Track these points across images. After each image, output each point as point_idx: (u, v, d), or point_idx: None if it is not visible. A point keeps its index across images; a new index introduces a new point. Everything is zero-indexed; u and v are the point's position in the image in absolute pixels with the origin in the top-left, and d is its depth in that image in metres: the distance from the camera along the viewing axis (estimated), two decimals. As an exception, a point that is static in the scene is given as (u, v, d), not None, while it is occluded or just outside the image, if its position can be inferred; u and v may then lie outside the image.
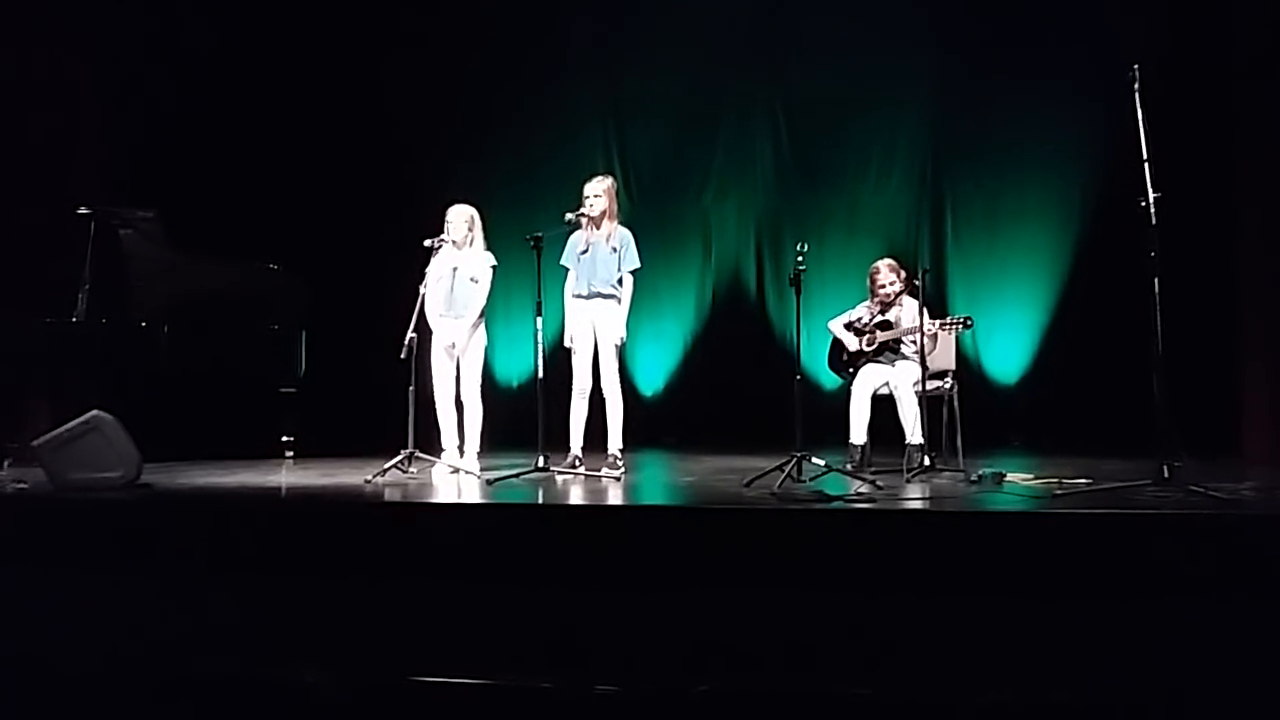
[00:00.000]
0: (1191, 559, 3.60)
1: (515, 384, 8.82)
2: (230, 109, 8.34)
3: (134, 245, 6.97)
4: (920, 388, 5.54)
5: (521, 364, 8.67)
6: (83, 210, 6.66)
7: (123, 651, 4.01)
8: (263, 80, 8.51)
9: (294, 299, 7.27)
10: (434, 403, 5.93)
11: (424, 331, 5.80)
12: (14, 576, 4.31)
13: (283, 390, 7.15)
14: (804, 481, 4.93)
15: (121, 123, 8.01)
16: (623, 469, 5.70)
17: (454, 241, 5.90)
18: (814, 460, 5.06)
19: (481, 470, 5.74)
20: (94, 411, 5.19)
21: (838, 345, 6.14)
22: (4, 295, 6.97)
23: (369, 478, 5.41)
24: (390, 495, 5.03)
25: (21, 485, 5.08)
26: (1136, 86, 4.55)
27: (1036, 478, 5.02)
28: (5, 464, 5.33)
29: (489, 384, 6.19)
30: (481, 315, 5.94)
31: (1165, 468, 4.27)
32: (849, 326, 6.09)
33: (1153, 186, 4.43)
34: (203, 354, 6.83)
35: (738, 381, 8.44)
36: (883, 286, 5.96)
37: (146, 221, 6.89)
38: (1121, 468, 5.09)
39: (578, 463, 5.76)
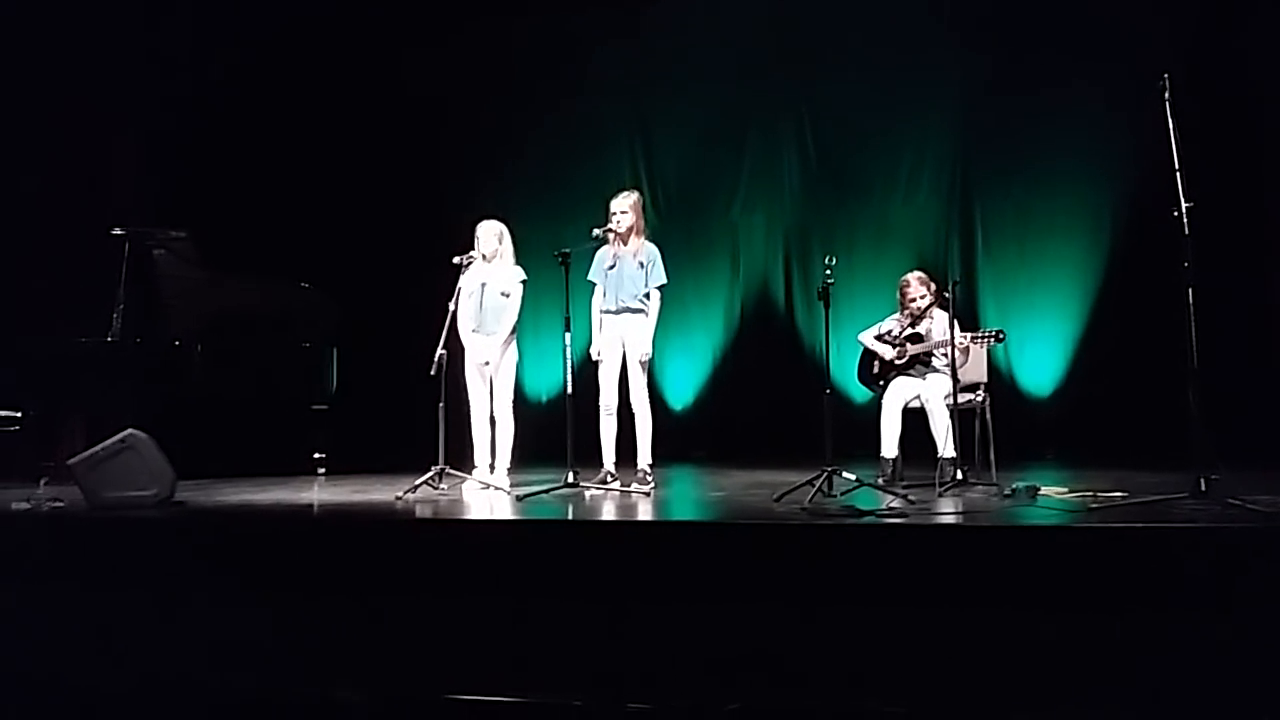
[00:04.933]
0: (1230, 573, 3.54)
1: (544, 399, 8.84)
2: (260, 129, 8.43)
3: (167, 265, 7.06)
4: (952, 401, 5.50)
5: (550, 379, 8.70)
6: (117, 231, 6.76)
7: (157, 669, 4.04)
8: (291, 100, 8.61)
9: (325, 316, 7.34)
10: (467, 419, 5.95)
11: (454, 347, 5.82)
12: (49, 594, 4.36)
13: (314, 407, 7.21)
14: (835, 496, 4.90)
15: (154, 144, 8.13)
16: (652, 484, 5.69)
17: (483, 256, 5.93)
18: (845, 474, 5.03)
19: (511, 486, 5.75)
20: (129, 430, 5.25)
21: (868, 358, 6.11)
22: (40, 315, 7.08)
23: (400, 494, 5.43)
24: (421, 512, 5.05)
25: (57, 504, 5.13)
26: (1167, 95, 4.50)
27: (1071, 491, 4.96)
28: (41, 483, 5.38)
29: (518, 399, 6.20)
30: (513, 332, 5.96)
31: (1202, 481, 4.21)
32: (879, 339, 6.05)
33: (1185, 196, 4.38)
34: (235, 372, 6.90)
35: (767, 395, 8.42)
36: (913, 299, 5.92)
37: (179, 242, 6.99)
38: (1157, 481, 5.02)
39: (609, 478, 5.76)
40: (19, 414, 6.36)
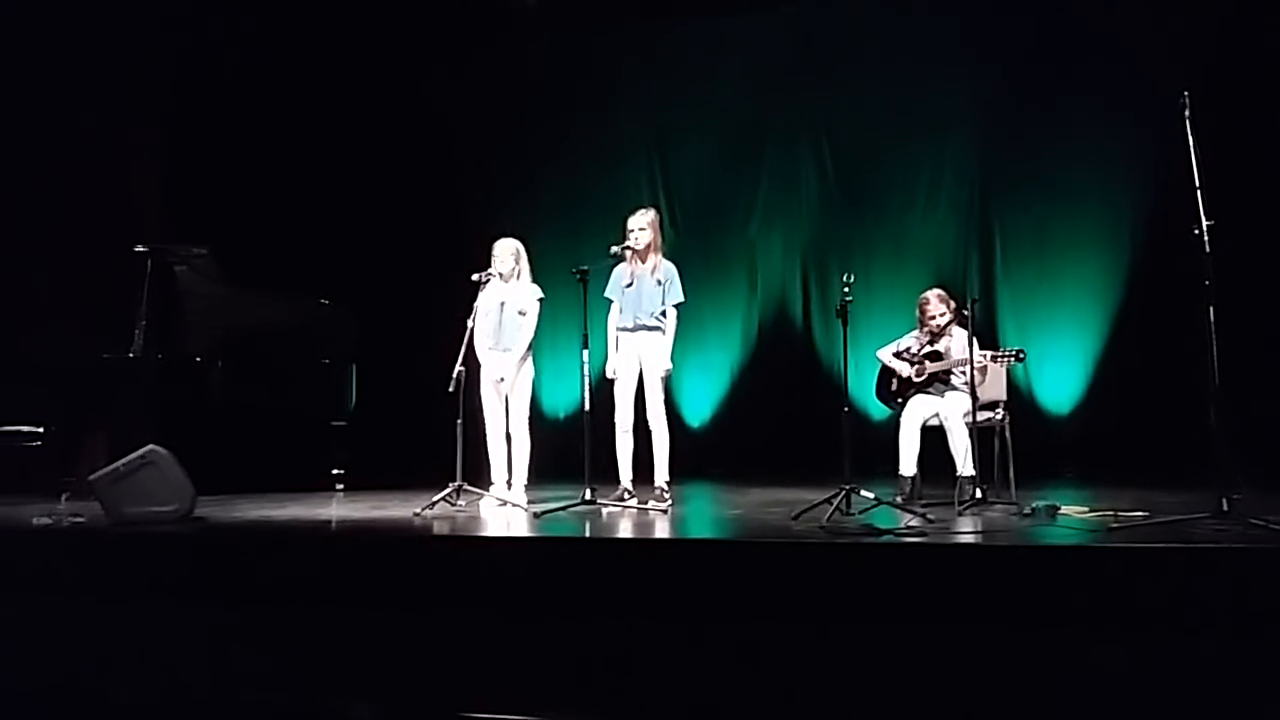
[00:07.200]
0: (1252, 595, 3.51)
1: (562, 416, 8.85)
2: (282, 146, 8.49)
3: (188, 282, 7.11)
4: (971, 419, 5.47)
5: (568, 396, 8.71)
6: (139, 248, 6.81)
7: (175, 684, 4.06)
8: (313, 118, 8.67)
9: (344, 333, 7.37)
10: (483, 436, 5.96)
11: (472, 365, 5.84)
12: (70, 609, 4.38)
13: (333, 423, 7.24)
14: (853, 514, 4.88)
15: (176, 161, 8.20)
16: (670, 501, 5.68)
17: (500, 275, 5.95)
18: (863, 493, 5.01)
19: (529, 503, 5.75)
20: (150, 446, 5.28)
21: (886, 375, 6.09)
22: (62, 331, 7.13)
23: (418, 511, 5.44)
24: (439, 528, 5.05)
25: (78, 519, 5.16)
26: (1187, 113, 4.49)
27: (1091, 511, 4.92)
28: (62, 498, 5.42)
29: (535, 416, 6.21)
30: (529, 349, 5.98)
31: (1224, 500, 4.17)
32: (898, 356, 6.04)
33: (1206, 214, 4.35)
34: (255, 388, 6.92)
35: (785, 413, 8.40)
36: (932, 317, 5.90)
37: (201, 258, 7.03)
38: (1178, 500, 4.98)
39: (626, 495, 5.75)
40: (41, 429, 6.41)
